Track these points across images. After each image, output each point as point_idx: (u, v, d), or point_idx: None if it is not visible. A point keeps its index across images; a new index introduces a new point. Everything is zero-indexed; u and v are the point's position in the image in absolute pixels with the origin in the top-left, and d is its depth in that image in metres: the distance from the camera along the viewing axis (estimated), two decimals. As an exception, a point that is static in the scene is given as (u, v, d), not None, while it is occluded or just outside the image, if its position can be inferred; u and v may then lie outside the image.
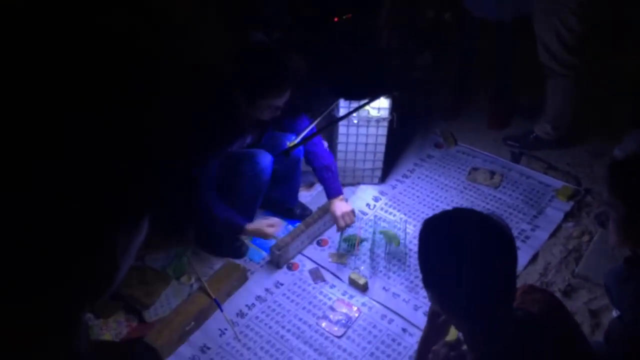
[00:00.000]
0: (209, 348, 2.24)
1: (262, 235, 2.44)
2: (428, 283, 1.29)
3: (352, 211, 2.54)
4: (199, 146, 2.20)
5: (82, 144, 0.48)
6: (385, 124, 2.71)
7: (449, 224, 1.28)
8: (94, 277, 0.53)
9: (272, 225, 2.43)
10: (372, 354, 2.19)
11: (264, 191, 2.55)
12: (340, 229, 2.56)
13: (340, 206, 2.52)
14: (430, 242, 1.27)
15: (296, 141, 2.34)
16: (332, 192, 2.54)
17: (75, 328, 0.56)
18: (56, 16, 0.48)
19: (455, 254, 1.22)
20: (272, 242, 2.56)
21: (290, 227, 2.65)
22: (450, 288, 1.24)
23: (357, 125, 2.72)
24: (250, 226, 2.40)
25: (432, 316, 1.58)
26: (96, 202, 0.50)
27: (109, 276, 0.55)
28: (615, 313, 1.93)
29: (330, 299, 2.40)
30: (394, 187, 2.97)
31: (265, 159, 2.44)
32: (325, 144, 2.93)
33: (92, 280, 0.53)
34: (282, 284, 2.48)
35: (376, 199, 2.90)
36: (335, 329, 2.28)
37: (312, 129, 2.36)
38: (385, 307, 2.35)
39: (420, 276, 1.31)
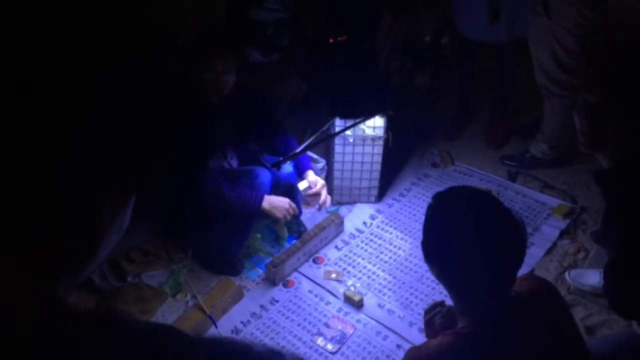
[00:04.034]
0: (203, 364, 2.23)
1: (275, 211, 2.41)
2: (430, 256, 1.31)
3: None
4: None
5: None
6: (381, 142, 2.74)
7: (459, 199, 1.34)
8: (76, 234, 0.54)
9: (289, 208, 2.44)
10: (366, 371, 2.17)
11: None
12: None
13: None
14: (439, 216, 1.31)
15: (300, 149, 2.46)
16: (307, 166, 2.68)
17: (56, 285, 0.55)
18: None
19: (461, 230, 1.25)
20: (268, 259, 2.58)
21: (287, 245, 2.67)
22: (451, 263, 1.27)
23: (353, 144, 2.75)
24: (270, 199, 2.40)
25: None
26: (92, 159, 0.52)
27: (93, 242, 0.56)
28: None
29: (325, 315, 2.40)
30: (390, 206, 2.99)
31: (264, 175, 2.47)
32: (323, 162, 2.97)
33: (75, 237, 0.54)
34: (277, 301, 2.48)
35: (373, 217, 2.91)
36: (330, 346, 2.27)
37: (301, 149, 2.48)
38: (380, 323, 2.34)
39: (425, 263, 1.33)
